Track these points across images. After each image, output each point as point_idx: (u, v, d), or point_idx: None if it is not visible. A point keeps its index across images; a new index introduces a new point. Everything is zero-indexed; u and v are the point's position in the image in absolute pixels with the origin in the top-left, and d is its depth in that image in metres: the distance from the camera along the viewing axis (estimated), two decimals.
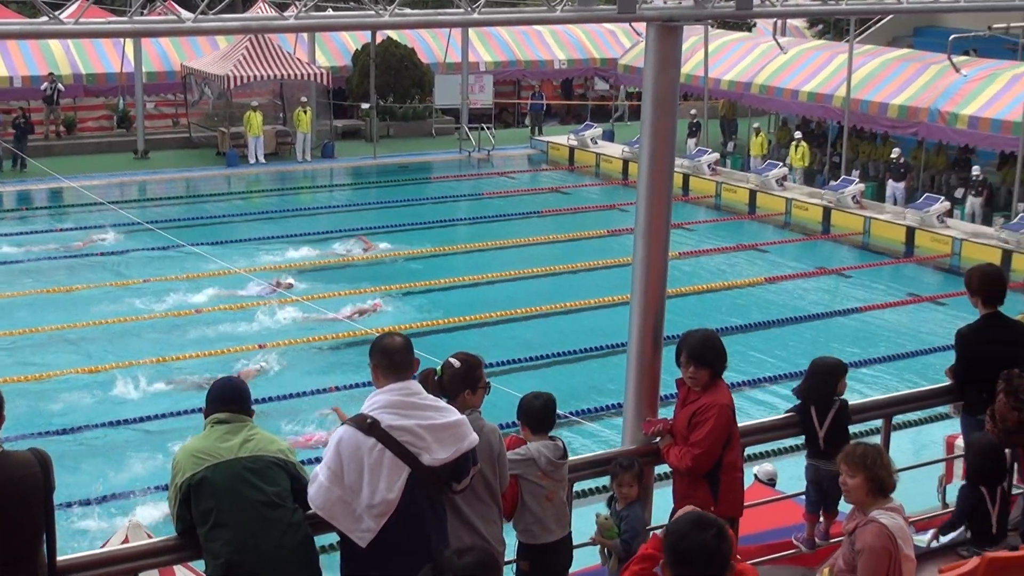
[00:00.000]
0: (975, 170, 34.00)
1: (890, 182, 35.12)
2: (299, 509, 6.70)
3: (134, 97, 41.21)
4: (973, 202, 33.55)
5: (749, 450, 9.51)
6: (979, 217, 33.26)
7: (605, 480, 8.68)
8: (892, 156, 35.10)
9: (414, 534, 6.54)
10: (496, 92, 46.13)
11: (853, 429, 8.99)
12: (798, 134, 39.08)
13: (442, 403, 6.87)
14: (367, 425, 6.57)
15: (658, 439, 8.50)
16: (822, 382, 8.86)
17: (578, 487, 10.07)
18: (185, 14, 8.00)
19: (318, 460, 6.85)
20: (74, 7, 28.92)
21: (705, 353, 8.25)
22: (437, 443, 6.63)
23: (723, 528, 5.63)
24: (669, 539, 5.67)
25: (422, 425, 6.62)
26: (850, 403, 9.06)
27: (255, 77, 40.12)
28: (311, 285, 26.80)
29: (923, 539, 9.80)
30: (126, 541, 9.70)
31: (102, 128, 43.02)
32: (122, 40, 40.13)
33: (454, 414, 6.78)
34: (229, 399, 6.98)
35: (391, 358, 6.83)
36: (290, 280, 26.91)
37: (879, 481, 7.18)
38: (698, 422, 8.17)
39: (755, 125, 39.70)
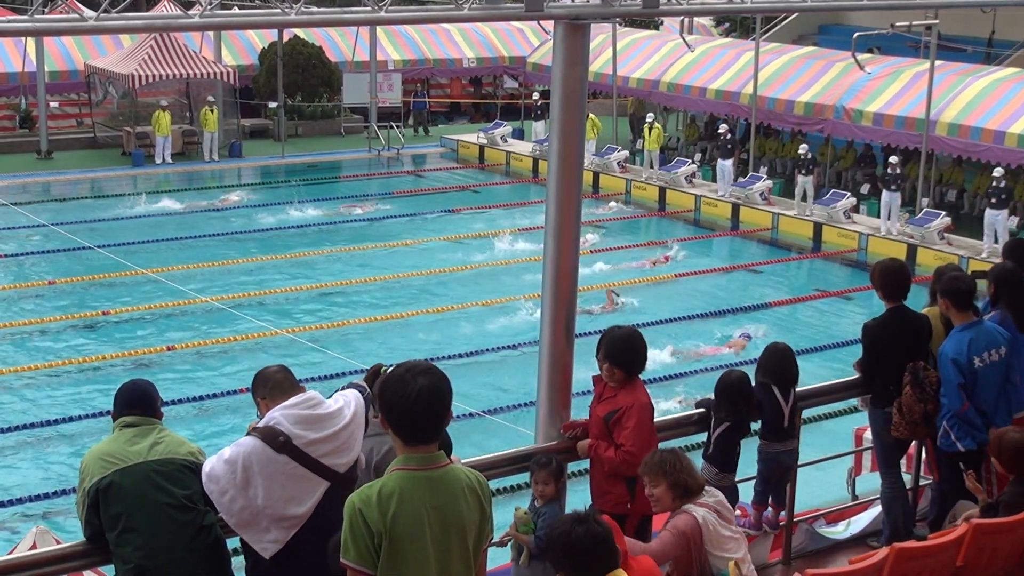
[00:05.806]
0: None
1: (798, 177, 34.94)
2: (210, 511, 6.59)
3: (36, 97, 40.51)
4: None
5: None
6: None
7: (519, 478, 8.66)
8: (800, 152, 35.14)
9: (324, 544, 6.38)
10: (405, 91, 46.03)
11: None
12: (650, 117, 38.82)
13: (332, 405, 6.66)
14: (279, 443, 6.41)
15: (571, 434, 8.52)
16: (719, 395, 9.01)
17: (496, 484, 10.07)
18: (88, 12, 7.89)
19: None
20: None
21: (622, 353, 8.24)
22: (345, 446, 6.57)
23: (602, 518, 5.67)
24: (558, 541, 5.68)
25: (329, 435, 6.51)
26: None
27: (160, 76, 39.59)
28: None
29: (835, 531, 9.91)
30: (34, 547, 9.56)
31: (4, 128, 42.23)
32: (23, 39, 39.44)
33: (348, 410, 6.62)
34: (136, 402, 6.86)
35: (275, 382, 6.81)
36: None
37: (683, 485, 7.15)
38: (620, 423, 8.14)
39: (649, 118, 39.28)
